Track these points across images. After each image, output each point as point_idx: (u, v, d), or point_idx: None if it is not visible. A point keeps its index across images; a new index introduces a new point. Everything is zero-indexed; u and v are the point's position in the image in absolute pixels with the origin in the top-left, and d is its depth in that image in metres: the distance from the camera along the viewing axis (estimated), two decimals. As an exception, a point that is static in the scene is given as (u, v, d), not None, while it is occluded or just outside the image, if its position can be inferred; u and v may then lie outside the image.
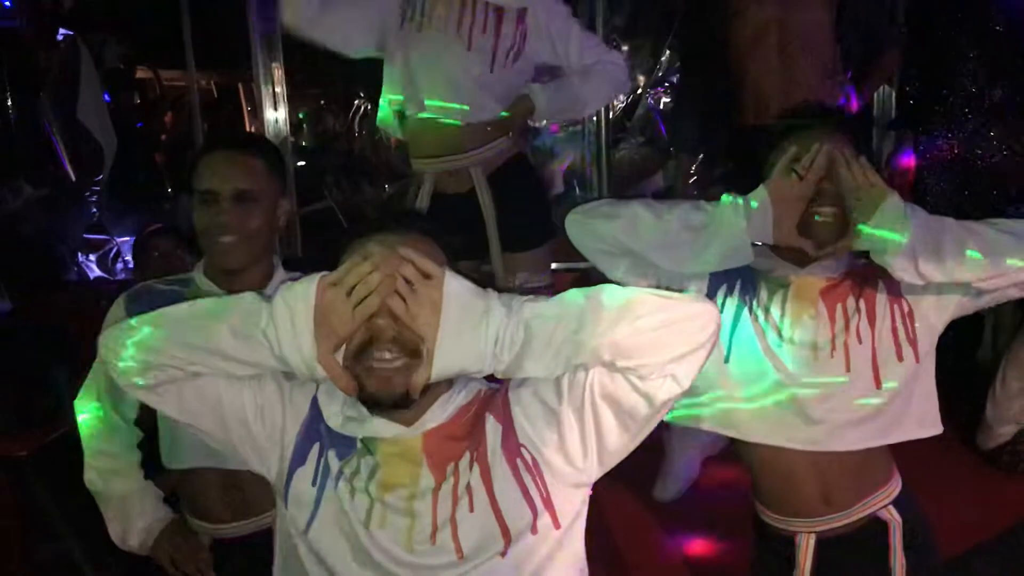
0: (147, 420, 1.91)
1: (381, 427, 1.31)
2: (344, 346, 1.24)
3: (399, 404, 1.25)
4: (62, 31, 4.61)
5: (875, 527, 1.72)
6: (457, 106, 2.52)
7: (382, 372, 1.22)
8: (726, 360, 1.72)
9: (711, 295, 1.74)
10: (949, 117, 3.21)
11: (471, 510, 1.29)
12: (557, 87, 2.63)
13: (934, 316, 1.68)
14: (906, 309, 1.69)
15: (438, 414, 1.32)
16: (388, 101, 2.64)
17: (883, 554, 1.71)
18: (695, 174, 3.57)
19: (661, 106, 4.95)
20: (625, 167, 4.81)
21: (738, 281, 1.75)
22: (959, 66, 3.05)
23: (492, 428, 1.32)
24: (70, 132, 4.54)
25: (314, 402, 1.36)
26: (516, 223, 2.59)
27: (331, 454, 1.33)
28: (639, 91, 5.01)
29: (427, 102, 2.54)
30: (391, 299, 1.21)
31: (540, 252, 2.66)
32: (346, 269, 1.22)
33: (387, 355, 1.22)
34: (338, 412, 1.34)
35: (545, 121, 2.77)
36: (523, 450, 1.30)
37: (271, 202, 1.81)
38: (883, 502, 1.73)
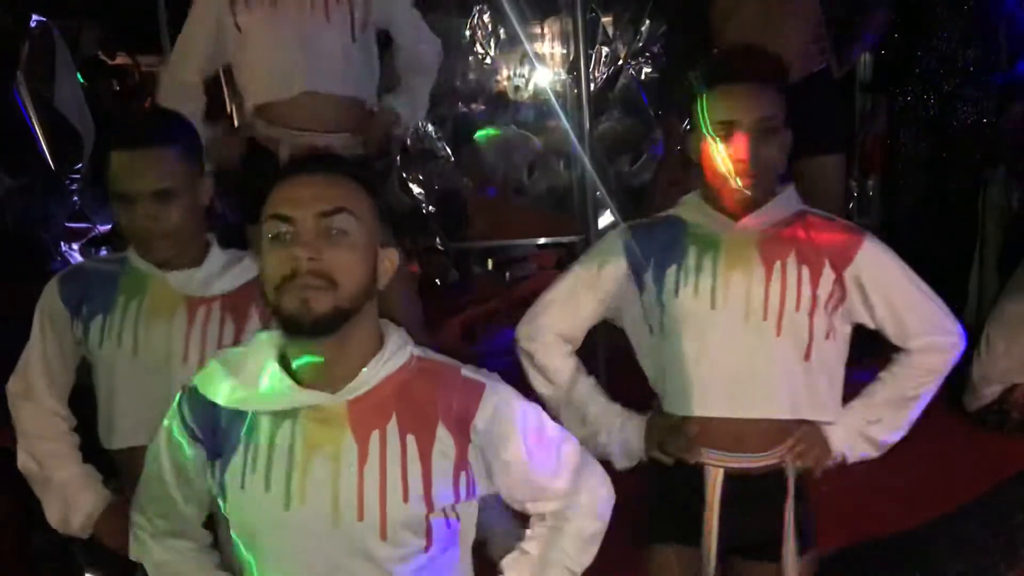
0: (82, 401, 1.89)
1: (306, 396, 1.32)
2: (268, 282, 1.29)
3: (318, 327, 1.27)
4: (35, 18, 4.54)
5: (776, 472, 1.77)
6: (326, 78, 2.51)
7: (302, 293, 1.25)
8: (663, 340, 1.78)
9: (635, 278, 1.80)
10: (924, 79, 3.21)
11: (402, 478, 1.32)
12: (410, 95, 2.72)
13: (860, 314, 1.78)
14: (843, 290, 1.74)
15: (366, 378, 1.33)
16: (255, 87, 2.60)
17: (780, 497, 1.77)
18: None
19: (643, 77, 4.92)
20: (608, 139, 4.80)
21: (664, 253, 1.78)
22: (933, 28, 3.04)
23: (430, 403, 1.36)
24: (48, 120, 4.49)
25: (194, 411, 1.38)
26: None
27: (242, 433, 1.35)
28: (620, 62, 4.99)
29: (304, 80, 2.50)
30: (314, 244, 1.26)
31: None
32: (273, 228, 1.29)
33: (308, 279, 1.25)
34: (243, 386, 1.36)
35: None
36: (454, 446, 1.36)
37: (190, 189, 1.78)
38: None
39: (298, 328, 1.27)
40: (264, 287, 1.30)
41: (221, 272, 1.84)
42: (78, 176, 4.64)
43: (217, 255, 1.85)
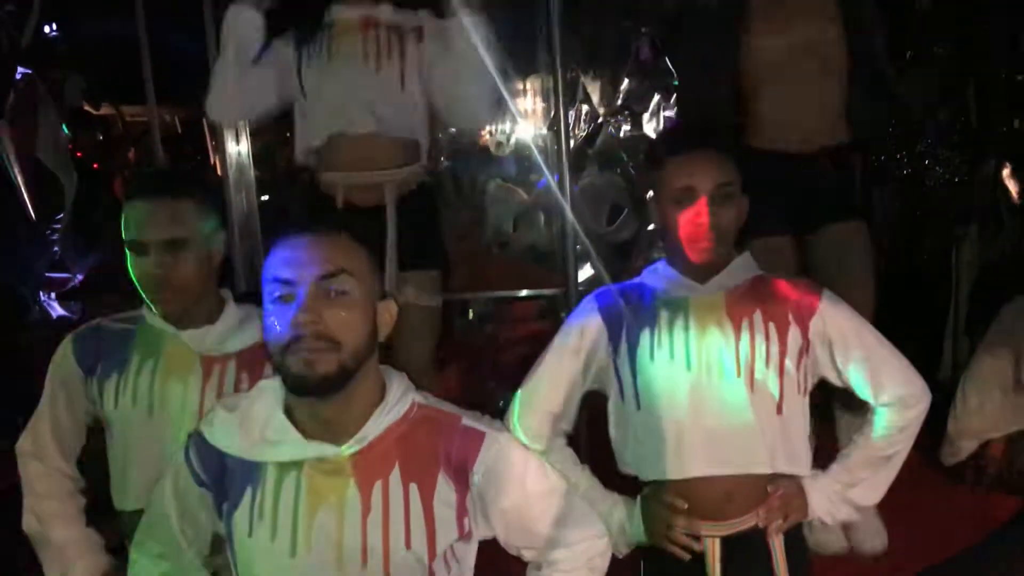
0: (94, 464, 1.89)
1: (311, 449, 1.35)
2: (271, 344, 1.33)
3: (323, 387, 1.30)
4: (20, 70, 4.57)
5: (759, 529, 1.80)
6: (374, 123, 2.58)
7: (307, 356, 1.29)
8: (638, 409, 1.81)
9: (611, 341, 1.84)
10: (897, 139, 3.28)
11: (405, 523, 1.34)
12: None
13: (826, 370, 1.83)
14: (808, 345, 1.80)
15: (370, 431, 1.36)
16: (305, 135, 2.68)
17: (766, 554, 1.80)
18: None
19: (622, 134, 5.00)
20: (588, 194, 4.85)
21: (635, 319, 1.83)
22: (906, 88, 3.12)
23: (431, 452, 1.38)
24: (30, 170, 4.49)
25: (202, 457, 1.41)
26: (414, 244, 2.64)
27: (252, 485, 1.37)
28: (600, 120, 5.06)
29: (334, 123, 2.59)
30: (314, 306, 1.29)
31: (431, 274, 2.73)
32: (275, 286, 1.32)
33: (311, 343, 1.29)
34: (248, 435, 1.37)
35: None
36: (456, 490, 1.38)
37: (203, 242, 1.79)
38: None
39: (304, 389, 1.31)
40: (268, 347, 1.33)
41: (236, 329, 1.85)
42: (58, 226, 4.63)
43: (232, 312, 1.86)
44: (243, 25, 2.59)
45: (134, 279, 1.78)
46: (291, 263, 1.32)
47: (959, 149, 3.24)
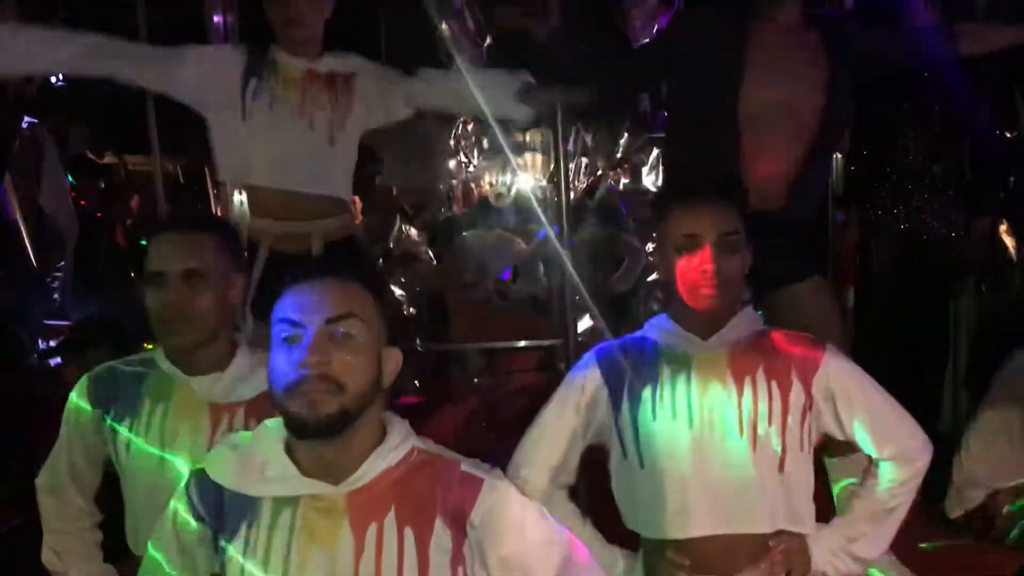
0: (111, 502, 1.88)
1: (307, 485, 1.35)
2: (275, 384, 1.34)
3: (324, 429, 1.31)
4: (27, 119, 4.63)
5: None
6: (304, 179, 2.62)
7: (310, 397, 1.30)
8: (641, 467, 1.80)
9: (612, 398, 1.84)
10: (894, 193, 3.31)
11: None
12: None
13: (829, 426, 1.84)
14: (811, 402, 1.81)
15: (366, 472, 1.36)
16: (227, 164, 2.71)
17: None
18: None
19: (621, 188, 5.05)
20: (587, 246, 4.88)
21: (637, 374, 1.83)
22: (902, 143, 3.16)
23: (429, 497, 1.38)
24: (33, 218, 4.53)
25: (201, 492, 1.42)
26: None
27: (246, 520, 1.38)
28: (599, 173, 5.12)
29: (271, 176, 2.63)
30: (320, 348, 1.31)
31: None
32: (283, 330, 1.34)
33: (315, 384, 1.30)
34: (248, 472, 1.38)
35: None
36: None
37: (221, 280, 1.82)
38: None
39: (305, 431, 1.32)
40: (272, 387, 1.35)
41: (247, 377, 1.84)
42: (59, 274, 4.65)
43: (243, 359, 1.86)
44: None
45: (149, 314, 1.79)
46: (300, 305, 1.34)
47: (956, 204, 3.26)
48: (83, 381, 1.88)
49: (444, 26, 4.44)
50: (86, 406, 1.86)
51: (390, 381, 1.41)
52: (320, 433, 1.32)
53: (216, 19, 3.94)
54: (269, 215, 2.66)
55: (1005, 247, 3.51)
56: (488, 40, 4.68)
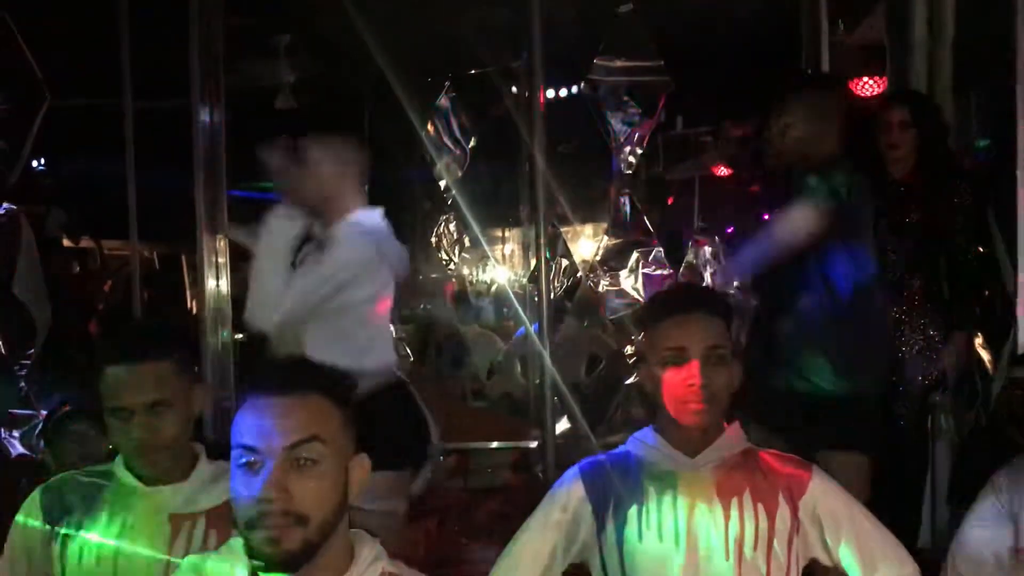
0: None
1: None
2: (237, 514, 1.29)
3: (288, 564, 1.26)
4: (5, 205, 4.60)
5: None
6: None
7: (271, 533, 1.25)
8: None
9: (596, 517, 1.79)
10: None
11: None
12: None
13: (816, 550, 1.79)
14: (798, 525, 1.77)
15: None
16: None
17: None
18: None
19: (601, 288, 5.09)
20: (567, 345, 4.90)
21: (622, 492, 1.78)
22: (880, 258, 3.21)
23: None
24: (3, 305, 4.46)
25: None
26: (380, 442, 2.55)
27: None
28: (579, 273, 5.17)
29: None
30: (281, 480, 1.25)
31: (394, 476, 2.55)
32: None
33: (277, 520, 1.25)
34: None
35: None
36: None
37: (185, 401, 1.79)
38: None
39: (268, 566, 1.27)
40: (235, 516, 1.29)
41: (208, 486, 1.81)
42: (27, 362, 4.56)
43: (204, 469, 1.83)
44: (280, 233, 2.59)
45: (115, 443, 1.77)
46: (259, 430, 1.27)
47: (932, 317, 3.29)
48: (34, 495, 1.83)
49: (429, 127, 4.53)
50: (35, 523, 1.80)
51: (356, 493, 1.35)
52: (284, 568, 1.27)
53: (204, 117, 3.98)
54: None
55: (982, 361, 3.53)
56: (473, 141, 4.77)
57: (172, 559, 1.74)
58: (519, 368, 5.02)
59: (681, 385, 1.75)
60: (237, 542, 1.36)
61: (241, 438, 1.29)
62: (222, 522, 1.76)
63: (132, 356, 1.75)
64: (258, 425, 1.28)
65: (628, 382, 4.59)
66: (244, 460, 1.27)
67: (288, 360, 2.49)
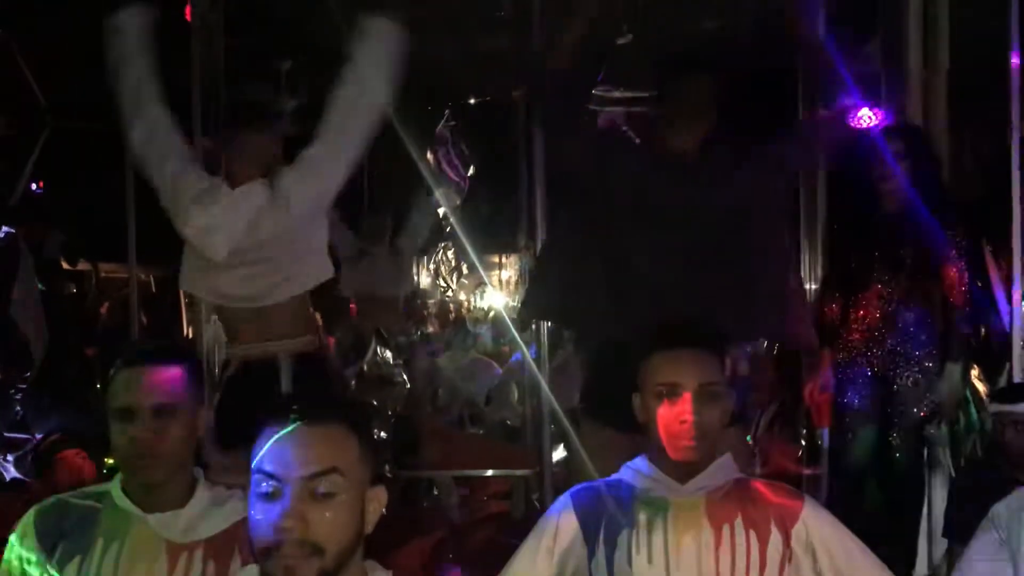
0: None
1: None
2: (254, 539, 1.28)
3: None
4: (4, 229, 4.61)
5: None
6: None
7: (288, 563, 1.24)
8: None
9: (587, 543, 1.79)
10: (868, 338, 3.34)
11: None
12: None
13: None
14: (790, 554, 1.77)
15: None
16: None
17: None
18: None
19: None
20: (564, 372, 4.89)
21: (613, 517, 1.80)
22: (876, 289, 3.21)
23: None
24: (1, 328, 4.45)
25: None
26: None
27: None
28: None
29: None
30: (299, 510, 1.25)
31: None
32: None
33: (294, 550, 1.25)
34: None
35: None
36: None
37: (191, 413, 1.78)
38: None
39: None
40: (253, 543, 1.30)
41: (205, 514, 1.79)
42: (23, 385, 4.55)
43: (202, 495, 1.80)
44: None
45: (115, 449, 1.74)
46: (279, 458, 1.28)
47: (927, 350, 3.30)
48: (28, 516, 1.79)
49: (429, 155, 4.54)
50: (29, 547, 1.76)
51: (374, 522, 1.36)
52: None
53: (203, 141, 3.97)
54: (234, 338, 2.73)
55: (977, 393, 3.54)
56: (471, 170, 4.79)
57: None
58: (515, 395, 5.01)
59: (674, 421, 1.77)
60: (252, 570, 1.37)
61: (262, 464, 1.29)
62: (220, 553, 1.75)
63: (144, 359, 1.78)
64: (278, 453, 1.29)
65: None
66: (263, 488, 1.28)
67: (313, 390, 2.54)
